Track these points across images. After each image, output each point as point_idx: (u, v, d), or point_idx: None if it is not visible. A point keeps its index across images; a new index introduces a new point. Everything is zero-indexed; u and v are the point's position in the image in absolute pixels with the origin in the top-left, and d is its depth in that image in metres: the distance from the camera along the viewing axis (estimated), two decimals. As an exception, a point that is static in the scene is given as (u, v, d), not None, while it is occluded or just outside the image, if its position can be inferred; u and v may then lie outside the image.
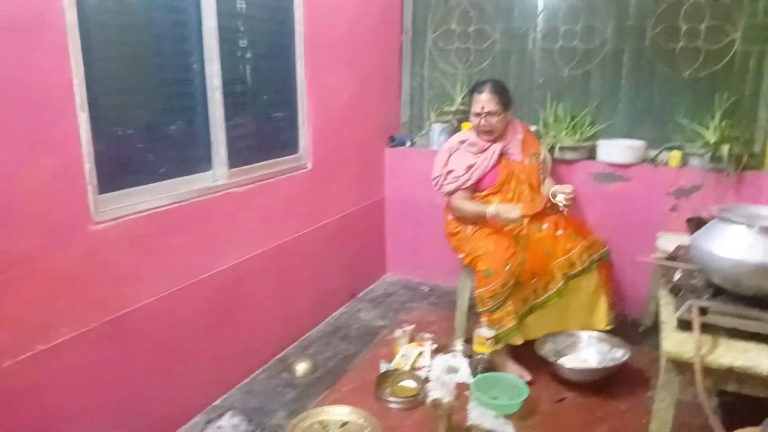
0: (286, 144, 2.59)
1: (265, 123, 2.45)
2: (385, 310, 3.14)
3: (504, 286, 2.36)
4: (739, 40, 2.75)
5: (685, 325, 1.74)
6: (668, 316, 1.86)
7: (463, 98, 3.31)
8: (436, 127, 3.31)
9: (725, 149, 2.63)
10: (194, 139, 2.09)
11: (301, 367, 2.43)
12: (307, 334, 2.81)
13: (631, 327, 2.90)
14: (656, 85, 2.96)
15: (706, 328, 1.66)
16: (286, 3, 2.47)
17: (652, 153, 2.95)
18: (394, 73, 3.49)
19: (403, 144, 3.48)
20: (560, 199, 2.48)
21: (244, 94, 2.31)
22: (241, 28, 2.24)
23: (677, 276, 2.04)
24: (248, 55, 2.31)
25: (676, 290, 1.90)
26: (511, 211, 2.35)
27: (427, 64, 3.47)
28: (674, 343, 1.68)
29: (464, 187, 2.60)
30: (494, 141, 2.63)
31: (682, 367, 1.65)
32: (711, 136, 2.72)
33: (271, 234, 2.46)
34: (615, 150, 2.93)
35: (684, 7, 2.82)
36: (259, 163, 2.38)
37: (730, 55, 2.78)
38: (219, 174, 2.16)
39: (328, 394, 2.29)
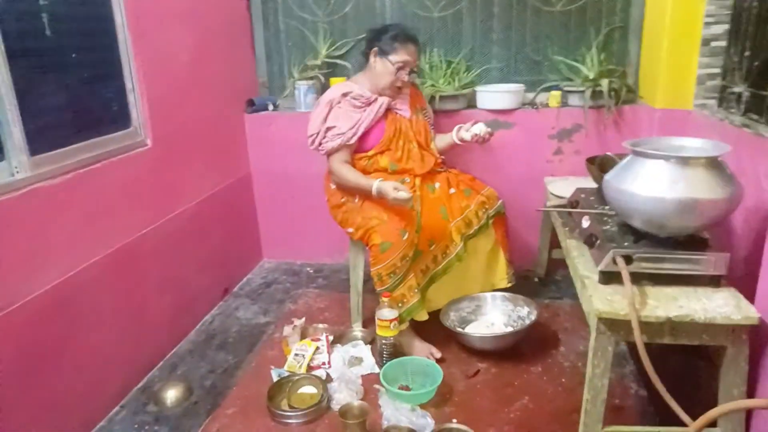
0: (114, 117, 2.01)
1: (79, 91, 1.84)
2: (267, 303, 2.72)
3: (403, 259, 2.07)
4: (608, -32, 2.65)
5: (609, 277, 1.57)
6: (587, 269, 1.69)
7: (328, 49, 2.91)
8: (301, 86, 2.88)
9: (605, 84, 2.54)
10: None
11: (171, 394, 1.96)
12: (174, 350, 2.30)
13: (526, 280, 2.80)
14: (528, 22, 2.79)
15: (632, 278, 1.50)
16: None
17: (531, 96, 2.80)
18: (244, 26, 2.97)
19: (264, 108, 3.01)
20: (477, 131, 2.28)
21: (41, 54, 1.69)
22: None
23: (585, 224, 1.89)
24: (43, 2, 1.69)
25: (590, 240, 1.73)
26: (399, 190, 2.03)
27: (281, 12, 2.99)
28: (603, 300, 1.49)
29: (348, 143, 2.23)
30: (381, 94, 2.29)
31: (615, 325, 1.47)
32: (589, 72, 2.62)
33: (107, 235, 1.91)
34: (494, 96, 2.74)
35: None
36: (77, 145, 1.80)
37: (600, -16, 2.68)
38: (17, 164, 1.56)
39: (209, 423, 1.85)
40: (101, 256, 1.87)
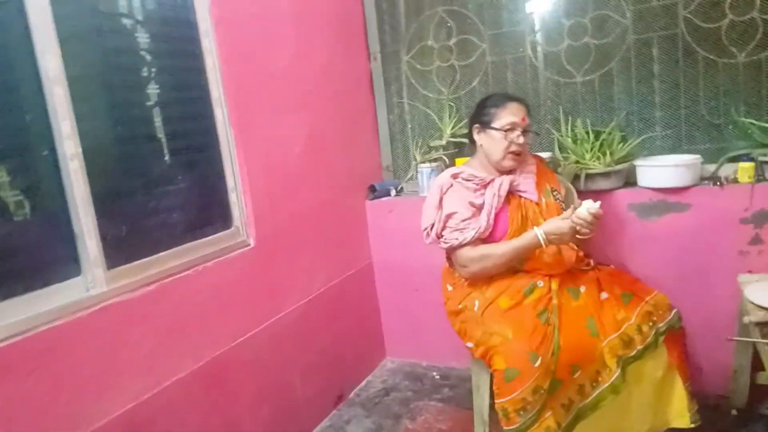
0: (212, 219, 1.90)
1: (171, 194, 1.76)
2: (383, 417, 2.36)
3: (536, 392, 1.60)
4: (813, 3, 2.03)
5: None
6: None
7: (452, 129, 2.62)
8: (424, 169, 2.62)
9: (821, 152, 1.87)
10: (44, 234, 1.41)
11: None
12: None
13: (717, 412, 2.08)
14: (700, 79, 2.23)
15: None
16: (187, 30, 1.82)
17: (711, 168, 2.19)
18: (366, 109, 2.83)
19: (387, 194, 2.79)
20: (583, 215, 1.70)
21: (126, 159, 1.64)
22: (110, 64, 1.60)
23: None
24: (134, 104, 1.66)
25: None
26: (559, 225, 1.72)
27: (406, 92, 2.81)
28: None
29: (484, 236, 1.85)
30: (499, 173, 1.92)
31: None
32: (796, 137, 1.96)
33: (194, 348, 1.74)
34: (660, 171, 2.18)
35: (727, -28, 2.12)
36: (167, 252, 1.69)
37: (802, 24, 2.05)
38: (92, 279, 1.47)
39: None
40: (186, 372, 1.70)
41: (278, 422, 2.10)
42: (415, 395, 2.52)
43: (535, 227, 1.78)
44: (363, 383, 2.68)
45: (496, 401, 1.66)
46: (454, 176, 1.92)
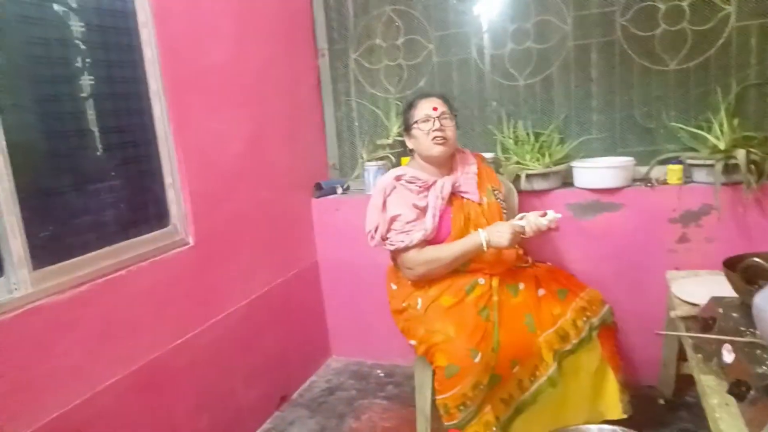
0: (148, 217, 1.83)
1: (103, 191, 1.69)
2: (327, 417, 2.35)
3: (476, 387, 1.63)
4: (735, 15, 2.15)
5: (776, 459, 1.04)
6: (734, 429, 1.16)
7: (399, 127, 2.63)
8: (371, 167, 2.62)
9: (741, 155, 1.99)
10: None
11: None
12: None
13: (648, 402, 2.19)
14: (636, 84, 2.33)
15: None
16: (124, 21, 1.75)
17: (643, 170, 2.29)
18: (313, 106, 2.80)
19: (333, 192, 2.77)
20: (537, 222, 1.75)
21: (54, 154, 1.56)
22: (40, 54, 1.51)
23: (728, 357, 1.35)
24: (67, 95, 1.58)
25: (738, 390, 1.19)
26: (501, 230, 1.74)
27: (354, 89, 2.80)
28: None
29: (429, 238, 1.87)
30: (441, 174, 1.95)
31: None
32: (719, 141, 2.08)
33: (128, 351, 1.67)
34: (596, 172, 2.27)
35: (660, -18, 2.22)
36: (99, 251, 1.62)
37: (726, 34, 2.17)
38: (16, 281, 1.39)
39: None
40: (119, 377, 1.63)
41: (218, 429, 2.05)
42: (360, 394, 2.52)
43: (479, 229, 1.80)
44: (307, 384, 2.66)
45: (437, 397, 1.68)
46: (398, 178, 1.93)
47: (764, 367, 1.19)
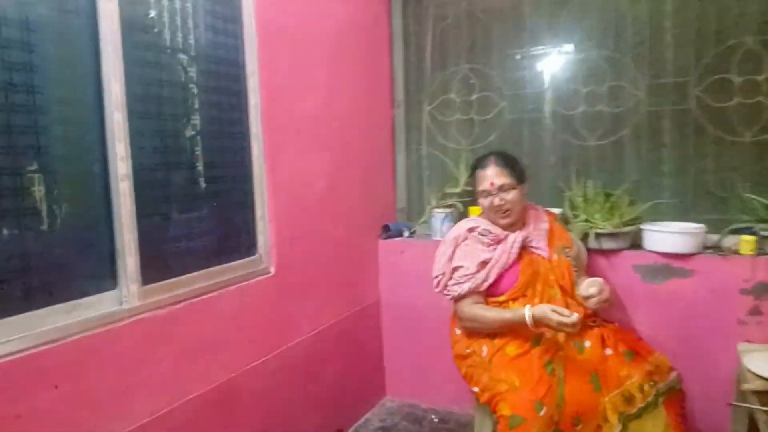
0: (240, 245, 1.99)
1: (206, 219, 1.86)
2: (380, 457, 2.39)
3: (539, 441, 1.64)
4: (816, 92, 2.17)
5: None
6: None
7: (468, 178, 2.73)
8: (438, 214, 2.72)
9: (820, 231, 1.97)
10: (86, 247, 1.49)
11: None
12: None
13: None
14: (709, 153, 2.36)
15: None
16: (234, 69, 1.95)
17: (715, 238, 2.29)
18: (386, 153, 2.95)
19: (400, 234, 2.88)
20: (590, 295, 1.84)
21: (171, 184, 1.73)
22: (164, 95, 1.71)
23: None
24: (182, 132, 1.77)
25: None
26: (562, 312, 1.72)
27: (425, 140, 2.94)
28: None
29: (479, 290, 1.96)
30: (513, 229, 2.03)
31: None
32: (797, 215, 2.07)
33: (209, 369, 1.79)
34: (666, 237, 2.27)
35: (736, 56, 2.27)
36: (196, 273, 1.77)
37: (806, 109, 2.19)
38: (127, 294, 1.54)
39: None
40: (199, 393, 1.74)
41: (279, 453, 2.12)
42: (413, 437, 2.54)
43: (527, 306, 1.83)
44: (362, 420, 2.70)
45: (499, 447, 1.70)
46: (471, 230, 2.04)
47: None
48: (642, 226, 2.35)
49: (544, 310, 1.76)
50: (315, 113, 2.31)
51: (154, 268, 1.62)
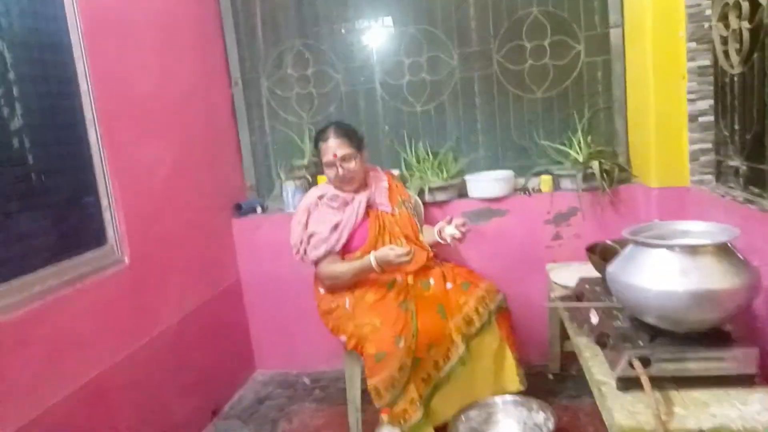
0: (88, 237, 1.92)
1: (48, 213, 1.76)
2: (260, 424, 2.49)
3: (401, 369, 1.90)
4: (584, 52, 2.67)
5: (628, 383, 1.40)
6: (602, 373, 1.52)
7: (312, 150, 2.88)
8: (289, 187, 2.83)
9: (596, 166, 2.48)
10: None
11: None
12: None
13: (540, 377, 2.58)
14: (511, 109, 2.79)
15: (652, 382, 1.34)
16: (60, 56, 1.85)
17: (522, 181, 2.74)
18: (229, 132, 2.97)
19: (253, 211, 2.94)
20: (450, 232, 2.15)
21: (2, 179, 1.63)
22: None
23: (594, 319, 1.74)
24: (7, 124, 1.65)
25: (602, 340, 1.57)
26: (396, 250, 1.98)
27: (267, 116, 3.01)
28: (624, 411, 1.32)
29: (334, 251, 2.15)
30: (357, 191, 2.23)
31: (642, 442, 1.29)
32: (578, 155, 2.57)
33: (74, 369, 1.74)
34: (484, 184, 2.68)
35: (525, 25, 2.70)
36: (46, 270, 1.69)
37: (578, 68, 2.69)
38: (-33, 300, 1.45)
39: None
40: (66, 395, 1.69)
41: (158, 441, 2.13)
42: (289, 401, 2.68)
43: (372, 252, 2.07)
44: (236, 397, 2.76)
45: (368, 382, 1.92)
46: (320, 197, 2.21)
47: (618, 322, 1.58)
48: (465, 177, 2.72)
49: (383, 250, 2.02)
50: (150, 96, 2.26)
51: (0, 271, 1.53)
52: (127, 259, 2.05)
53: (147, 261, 2.16)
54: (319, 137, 2.25)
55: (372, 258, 2.02)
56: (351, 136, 2.22)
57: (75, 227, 1.88)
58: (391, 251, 1.98)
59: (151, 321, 2.17)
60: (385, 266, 2.02)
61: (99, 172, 1.96)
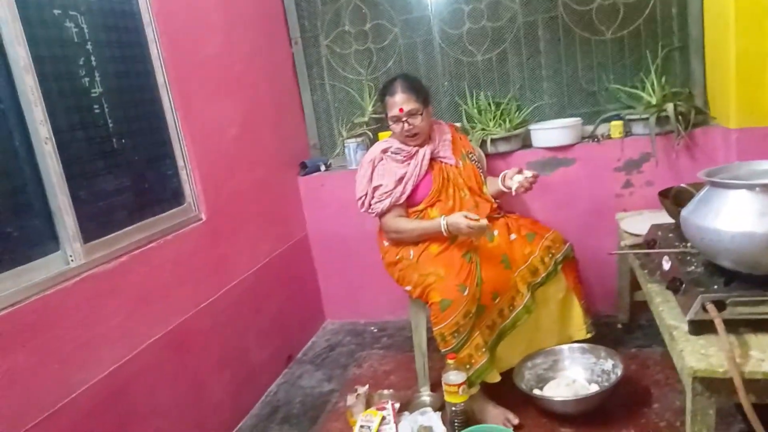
0: (168, 196, 2.05)
1: (131, 174, 1.90)
2: (332, 369, 2.63)
3: (466, 316, 1.93)
4: (658, -12, 2.51)
5: (700, 327, 1.37)
6: (674, 318, 1.49)
7: (374, 106, 2.90)
8: (351, 144, 2.88)
9: (670, 108, 2.35)
10: (23, 213, 1.52)
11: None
12: (238, 426, 2.25)
13: (608, 327, 2.55)
14: (578, 53, 2.67)
15: (727, 326, 1.30)
16: (130, 21, 1.94)
17: (590, 128, 2.64)
18: (292, 92, 3.03)
19: (317, 170, 3.02)
20: (519, 179, 2.10)
21: (91, 142, 1.76)
22: (69, 56, 1.70)
23: (666, 265, 1.69)
24: (89, 90, 1.77)
25: (674, 285, 1.53)
26: (470, 219, 1.95)
27: (327, 74, 3.04)
28: (696, 355, 1.30)
29: (398, 203, 2.18)
30: (422, 145, 2.24)
31: (714, 385, 1.27)
32: (651, 97, 2.44)
33: (163, 314, 1.90)
34: (549, 133, 2.60)
35: (592, -37, 2.55)
36: (130, 227, 1.83)
37: (650, 5, 2.52)
38: (71, 253, 1.60)
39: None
40: (156, 338, 1.86)
41: (239, 383, 2.29)
42: (358, 347, 2.80)
43: (442, 216, 2.06)
44: (309, 344, 2.92)
45: (434, 329, 1.97)
46: (384, 151, 2.23)
47: (692, 267, 1.53)
48: (529, 127, 2.66)
49: (457, 215, 2.00)
50: (216, 59, 2.34)
51: (92, 226, 1.67)
52: (204, 216, 2.18)
53: (222, 217, 2.28)
54: (385, 91, 2.24)
55: (443, 222, 2.03)
56: (418, 90, 2.21)
57: (155, 187, 2.01)
58: (464, 219, 1.95)
59: (228, 272, 2.31)
60: (455, 232, 2.02)
61: (173, 134, 2.07)
